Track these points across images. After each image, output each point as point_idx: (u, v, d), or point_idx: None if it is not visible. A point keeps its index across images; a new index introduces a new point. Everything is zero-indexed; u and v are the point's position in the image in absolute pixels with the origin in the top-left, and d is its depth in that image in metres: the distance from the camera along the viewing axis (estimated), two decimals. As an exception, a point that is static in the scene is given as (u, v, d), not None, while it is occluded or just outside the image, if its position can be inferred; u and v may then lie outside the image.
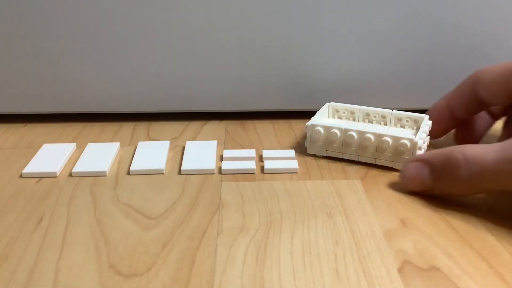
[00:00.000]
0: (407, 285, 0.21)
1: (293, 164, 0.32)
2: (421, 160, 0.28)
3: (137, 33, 0.37)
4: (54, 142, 0.37)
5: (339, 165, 0.33)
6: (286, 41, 0.38)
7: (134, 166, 0.32)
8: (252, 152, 0.34)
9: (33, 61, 0.38)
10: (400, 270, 0.22)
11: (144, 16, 0.37)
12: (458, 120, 0.34)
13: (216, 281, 0.22)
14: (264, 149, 0.36)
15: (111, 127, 0.40)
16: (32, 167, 0.32)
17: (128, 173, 0.32)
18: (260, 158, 0.34)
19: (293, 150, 0.34)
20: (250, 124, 0.41)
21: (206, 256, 0.23)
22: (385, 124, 0.35)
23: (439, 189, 0.28)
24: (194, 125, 0.41)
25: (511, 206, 0.28)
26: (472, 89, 0.32)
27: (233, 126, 0.41)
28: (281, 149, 0.36)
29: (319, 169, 0.33)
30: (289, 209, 0.27)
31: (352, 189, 0.30)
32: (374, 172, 0.32)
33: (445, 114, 0.34)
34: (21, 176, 0.32)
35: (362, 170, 0.32)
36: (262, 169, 0.32)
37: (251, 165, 0.32)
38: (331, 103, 0.37)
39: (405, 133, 0.33)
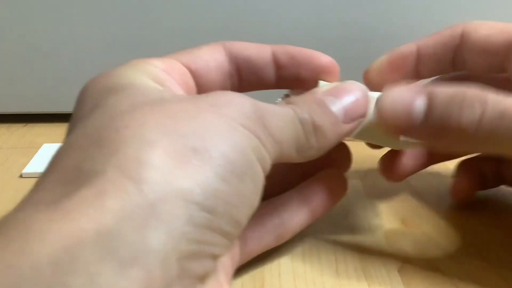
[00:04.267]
0: (407, 285, 0.21)
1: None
2: (418, 88, 0.20)
3: (137, 33, 0.37)
4: (54, 142, 0.37)
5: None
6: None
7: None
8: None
9: (33, 61, 0.38)
10: (400, 270, 0.22)
11: (144, 16, 0.37)
12: (418, 77, 0.24)
13: (216, 281, 0.22)
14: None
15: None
16: (32, 167, 0.32)
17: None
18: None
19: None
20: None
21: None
22: None
23: (427, 135, 0.20)
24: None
25: (511, 205, 0.28)
26: (455, 42, 0.23)
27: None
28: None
29: (319, 169, 0.33)
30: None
31: (352, 189, 0.30)
32: (374, 172, 0.32)
33: (409, 62, 0.24)
34: (21, 176, 0.32)
35: (362, 170, 0.32)
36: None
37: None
38: None
39: None
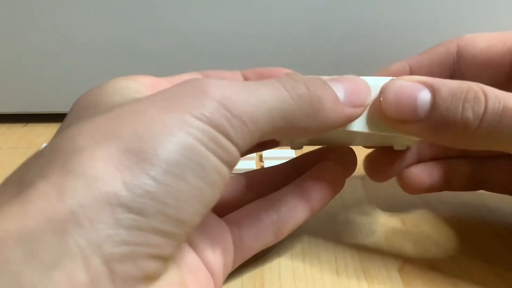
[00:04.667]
0: (407, 285, 0.21)
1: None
2: (421, 81, 0.19)
3: (138, 33, 0.37)
4: (54, 142, 0.37)
5: (339, 165, 0.33)
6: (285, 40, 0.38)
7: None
8: (252, 152, 0.34)
9: (33, 61, 0.38)
10: (400, 270, 0.22)
11: (144, 16, 0.37)
12: None
13: (216, 281, 0.22)
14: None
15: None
16: (32, 167, 0.32)
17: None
18: (260, 158, 0.34)
19: (294, 150, 0.34)
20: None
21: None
22: None
23: (429, 127, 0.19)
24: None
25: (511, 204, 0.28)
26: (451, 59, 0.23)
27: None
28: (281, 149, 0.36)
29: (319, 169, 0.33)
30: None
31: (352, 189, 0.30)
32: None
33: (403, 73, 0.24)
34: (21, 176, 0.32)
35: (362, 170, 0.32)
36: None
37: (251, 165, 0.32)
38: None
39: None
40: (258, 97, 0.17)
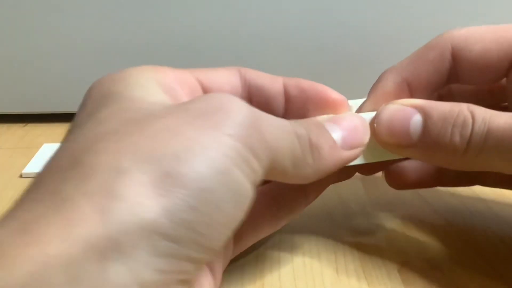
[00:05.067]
0: (407, 285, 0.21)
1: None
2: (414, 105, 0.20)
3: (138, 33, 0.37)
4: (54, 142, 0.37)
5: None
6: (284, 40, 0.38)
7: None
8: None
9: (33, 61, 0.38)
10: (400, 270, 0.22)
11: (145, 16, 0.37)
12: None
13: (216, 281, 0.22)
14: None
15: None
16: (32, 167, 0.32)
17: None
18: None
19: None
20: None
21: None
22: None
23: (422, 150, 0.20)
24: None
25: (511, 205, 0.28)
26: (447, 65, 0.22)
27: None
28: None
29: (319, 169, 0.33)
30: (289, 209, 0.27)
31: (353, 189, 0.30)
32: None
33: (402, 91, 0.22)
34: (21, 176, 0.32)
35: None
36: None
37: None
38: None
39: None
40: (278, 129, 0.17)
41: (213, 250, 0.15)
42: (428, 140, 0.19)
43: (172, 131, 0.15)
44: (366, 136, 0.20)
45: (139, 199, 0.13)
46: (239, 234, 0.20)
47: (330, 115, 0.20)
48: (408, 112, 0.20)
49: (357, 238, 0.25)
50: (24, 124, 0.41)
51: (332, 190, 0.30)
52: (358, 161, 0.21)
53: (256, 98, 0.22)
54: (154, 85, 0.18)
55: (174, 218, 0.14)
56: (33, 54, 0.38)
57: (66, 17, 0.37)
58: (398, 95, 0.22)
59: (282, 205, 0.21)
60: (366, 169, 0.25)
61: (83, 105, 0.18)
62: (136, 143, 0.15)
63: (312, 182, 0.21)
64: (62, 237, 0.12)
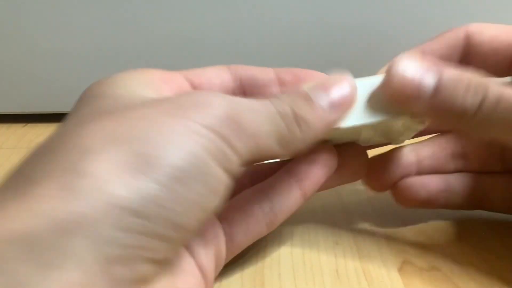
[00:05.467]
0: (407, 285, 0.21)
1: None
2: (430, 62, 0.20)
3: (138, 32, 0.37)
4: (54, 142, 0.37)
5: (339, 165, 0.33)
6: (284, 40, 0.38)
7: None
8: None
9: (33, 61, 0.38)
10: (400, 270, 0.22)
11: (145, 16, 0.37)
12: None
13: (216, 281, 0.22)
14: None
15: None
16: (32, 167, 0.32)
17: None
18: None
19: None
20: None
21: (206, 256, 0.23)
22: None
23: (429, 108, 0.20)
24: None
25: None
26: (460, 45, 0.23)
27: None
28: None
29: (319, 169, 0.33)
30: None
31: (352, 189, 0.30)
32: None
33: None
34: (21, 176, 0.32)
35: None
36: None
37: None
38: None
39: None
40: (259, 115, 0.17)
41: (184, 228, 0.15)
42: (439, 98, 0.19)
43: (146, 118, 0.15)
44: (353, 99, 0.20)
45: (106, 176, 0.14)
46: (230, 236, 0.20)
47: (316, 81, 0.20)
48: (423, 67, 0.20)
49: (357, 238, 0.25)
50: (24, 124, 0.41)
51: (332, 190, 0.29)
52: (357, 121, 0.20)
53: (249, 88, 0.22)
54: (139, 84, 0.19)
55: (142, 194, 0.14)
56: (33, 54, 0.38)
57: (66, 17, 0.37)
58: None
59: (275, 203, 0.21)
60: (377, 184, 0.25)
61: (74, 106, 0.18)
62: (107, 126, 0.15)
63: (308, 180, 0.21)
64: (26, 213, 0.13)
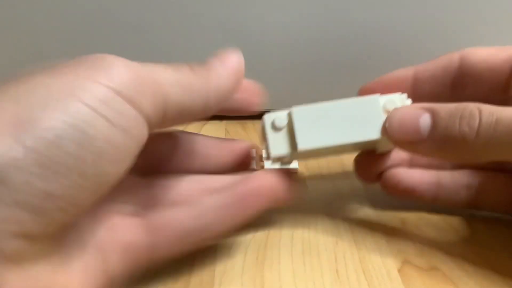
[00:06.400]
0: (407, 285, 0.21)
1: (293, 164, 0.32)
2: (422, 107, 0.21)
3: (139, 31, 0.37)
4: (54, 142, 0.37)
5: (339, 165, 0.33)
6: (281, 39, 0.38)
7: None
8: (252, 152, 0.34)
9: (33, 61, 0.38)
10: (400, 270, 0.22)
11: (146, 15, 0.37)
12: (414, 100, 0.23)
13: (216, 281, 0.22)
14: (264, 149, 0.36)
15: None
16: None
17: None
18: (260, 158, 0.34)
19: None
20: (250, 124, 0.41)
21: (206, 256, 0.23)
22: None
23: (432, 146, 0.21)
24: (194, 125, 0.41)
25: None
26: (453, 66, 0.24)
27: (233, 126, 0.41)
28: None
29: (319, 169, 0.33)
30: (289, 209, 0.27)
31: (352, 189, 0.30)
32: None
33: (404, 84, 0.25)
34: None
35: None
36: (262, 169, 0.32)
37: (251, 165, 0.32)
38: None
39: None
40: (161, 68, 0.18)
41: (57, 197, 0.14)
42: (437, 133, 0.21)
43: (23, 80, 0.15)
44: (241, 57, 0.22)
45: None
46: (150, 248, 0.19)
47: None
48: (417, 112, 0.21)
49: (357, 238, 0.25)
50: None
51: (332, 190, 0.30)
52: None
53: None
54: None
55: (4, 157, 0.13)
56: (33, 54, 0.38)
57: (67, 17, 0.37)
58: (401, 83, 0.25)
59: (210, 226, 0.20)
60: (367, 175, 0.26)
61: None
62: (1, 89, 0.14)
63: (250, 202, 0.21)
64: None
